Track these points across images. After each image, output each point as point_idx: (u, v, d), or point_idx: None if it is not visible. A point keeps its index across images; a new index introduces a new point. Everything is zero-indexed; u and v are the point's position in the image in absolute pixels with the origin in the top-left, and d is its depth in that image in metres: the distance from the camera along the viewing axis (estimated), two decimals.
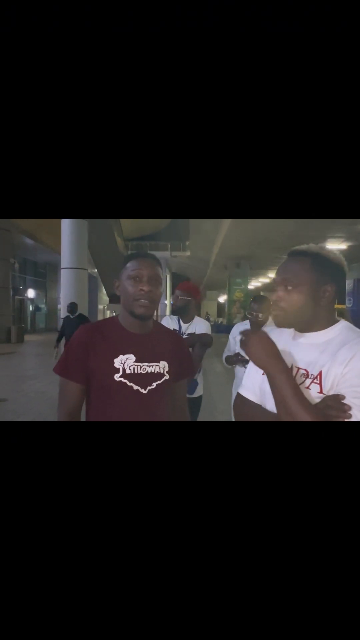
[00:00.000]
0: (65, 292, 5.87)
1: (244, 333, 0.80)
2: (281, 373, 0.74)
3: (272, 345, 0.77)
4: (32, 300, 17.44)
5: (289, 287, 0.77)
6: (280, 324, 0.80)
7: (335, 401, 0.69)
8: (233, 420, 2.41)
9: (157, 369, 0.97)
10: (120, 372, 0.93)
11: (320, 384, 0.74)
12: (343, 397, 0.69)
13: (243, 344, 0.79)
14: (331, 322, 0.79)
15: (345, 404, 0.68)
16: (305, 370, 0.78)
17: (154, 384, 0.96)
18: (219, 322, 19.47)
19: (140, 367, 0.95)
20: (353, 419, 0.66)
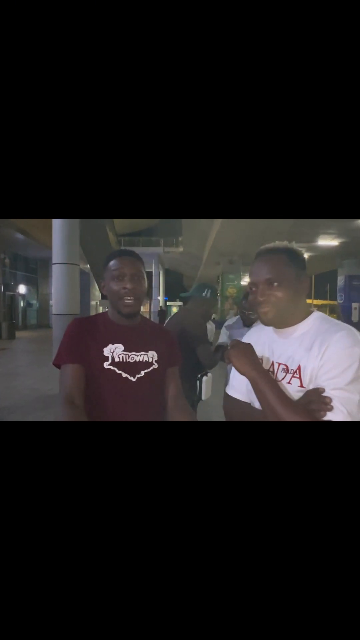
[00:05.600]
0: (57, 287, 5.81)
1: (231, 344, 0.84)
2: (261, 377, 0.75)
3: (252, 353, 0.80)
4: (23, 296, 17.26)
5: (275, 284, 0.78)
6: (270, 322, 0.81)
7: (316, 395, 0.70)
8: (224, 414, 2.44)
9: (145, 358, 1.00)
10: (109, 360, 0.96)
11: (300, 377, 0.75)
12: (323, 390, 0.70)
13: (228, 354, 0.82)
14: (306, 314, 0.81)
15: (325, 397, 0.69)
16: (285, 365, 0.79)
17: (143, 372, 0.99)
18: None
19: (129, 356, 0.98)
20: (335, 411, 0.68)
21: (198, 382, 1.79)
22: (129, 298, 0.96)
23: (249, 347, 0.81)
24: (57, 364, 0.97)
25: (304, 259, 0.81)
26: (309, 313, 0.81)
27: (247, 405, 0.86)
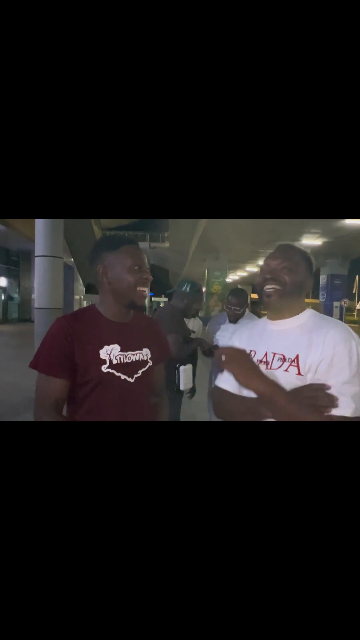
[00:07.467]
0: (40, 281, 5.68)
1: (219, 352, 0.80)
2: (278, 394, 0.74)
3: (253, 365, 0.80)
4: (4, 289, 16.80)
5: (286, 269, 0.84)
6: (269, 304, 0.85)
7: (322, 391, 0.73)
8: (208, 409, 2.45)
9: (140, 357, 0.96)
10: (107, 363, 0.90)
11: (297, 366, 0.79)
12: (328, 387, 0.73)
13: (227, 367, 0.78)
14: (301, 310, 0.87)
15: (332, 395, 0.72)
16: (282, 354, 0.83)
17: (140, 372, 0.95)
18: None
19: (126, 357, 0.94)
20: (344, 406, 0.71)
21: (176, 371, 1.80)
22: (145, 289, 0.92)
23: (246, 358, 0.80)
24: (39, 370, 0.90)
25: (313, 265, 0.89)
26: (304, 309, 0.87)
27: (237, 396, 0.84)
